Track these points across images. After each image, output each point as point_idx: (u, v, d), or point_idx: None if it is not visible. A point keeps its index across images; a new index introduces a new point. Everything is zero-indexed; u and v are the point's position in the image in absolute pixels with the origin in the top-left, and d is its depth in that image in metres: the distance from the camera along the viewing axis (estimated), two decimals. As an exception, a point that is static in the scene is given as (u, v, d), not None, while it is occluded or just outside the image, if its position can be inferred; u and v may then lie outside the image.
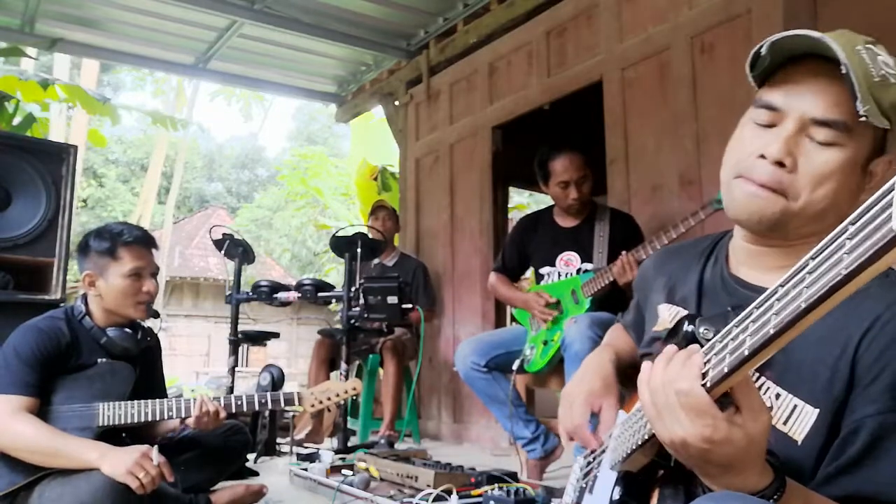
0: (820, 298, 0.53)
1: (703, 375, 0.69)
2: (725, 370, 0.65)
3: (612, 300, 2.65)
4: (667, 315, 1.05)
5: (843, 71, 0.78)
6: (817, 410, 0.82)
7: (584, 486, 1.04)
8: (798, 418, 0.84)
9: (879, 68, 0.83)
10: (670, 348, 0.75)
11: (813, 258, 0.55)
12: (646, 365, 0.76)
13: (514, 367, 2.68)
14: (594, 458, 1.04)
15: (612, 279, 2.62)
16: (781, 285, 0.58)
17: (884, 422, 0.77)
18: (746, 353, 0.62)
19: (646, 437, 0.79)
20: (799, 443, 0.83)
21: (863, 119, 0.79)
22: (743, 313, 0.64)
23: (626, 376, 1.11)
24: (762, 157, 0.86)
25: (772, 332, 0.59)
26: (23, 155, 2.78)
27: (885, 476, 0.76)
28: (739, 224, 0.95)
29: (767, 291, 0.61)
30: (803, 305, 0.54)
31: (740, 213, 0.91)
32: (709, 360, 0.69)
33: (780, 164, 0.85)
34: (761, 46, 0.86)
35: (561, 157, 2.83)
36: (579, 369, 1.10)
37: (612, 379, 1.07)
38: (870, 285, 0.59)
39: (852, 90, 0.78)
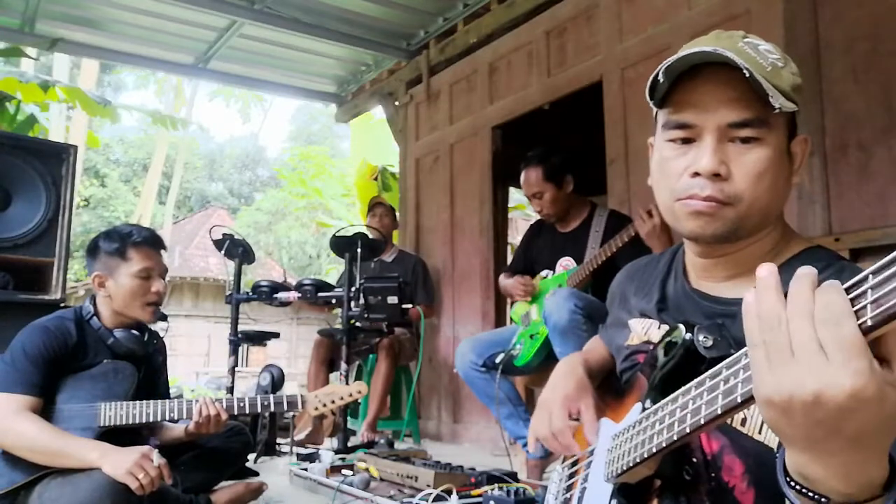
0: None
1: (858, 313, 0.50)
2: None
3: (593, 291, 2.70)
4: (639, 329, 1.05)
5: (748, 75, 0.80)
6: None
7: (567, 497, 1.02)
8: None
9: (766, 58, 0.87)
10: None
11: None
12: (748, 296, 0.57)
13: (498, 360, 2.71)
14: (575, 468, 1.03)
15: (591, 270, 2.66)
16: None
17: None
18: None
19: (654, 450, 0.76)
20: (775, 450, 0.81)
21: (776, 110, 0.82)
22: None
23: (601, 384, 1.11)
24: (696, 174, 0.88)
25: None
26: (23, 155, 2.78)
27: None
28: (695, 241, 0.95)
29: None
30: None
31: (693, 231, 0.92)
32: (860, 296, 0.50)
33: (716, 175, 0.87)
34: (658, 73, 0.88)
35: (522, 172, 2.91)
36: (551, 377, 1.10)
37: (584, 381, 1.07)
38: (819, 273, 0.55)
39: (761, 90, 0.81)
